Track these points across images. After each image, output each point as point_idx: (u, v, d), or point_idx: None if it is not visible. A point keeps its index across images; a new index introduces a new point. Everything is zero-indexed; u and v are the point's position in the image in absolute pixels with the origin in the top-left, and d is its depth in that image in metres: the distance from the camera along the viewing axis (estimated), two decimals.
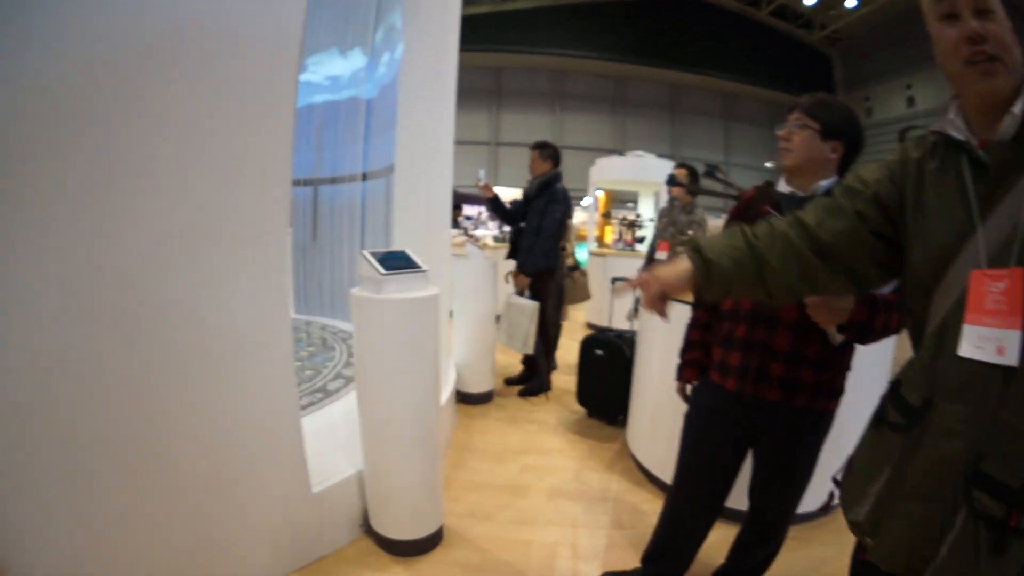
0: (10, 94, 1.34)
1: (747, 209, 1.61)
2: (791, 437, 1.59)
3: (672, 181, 3.89)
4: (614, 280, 4.00)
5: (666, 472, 2.70)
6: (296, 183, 5.14)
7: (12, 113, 1.35)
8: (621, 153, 7.57)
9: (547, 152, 4.02)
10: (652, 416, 2.93)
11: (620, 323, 4.05)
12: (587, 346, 3.70)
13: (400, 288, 2.09)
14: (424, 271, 2.21)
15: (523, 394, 4.19)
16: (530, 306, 3.80)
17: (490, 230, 8.94)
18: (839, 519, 2.58)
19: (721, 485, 1.72)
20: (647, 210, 7.92)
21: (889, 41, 16.36)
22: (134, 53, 1.45)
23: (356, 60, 4.79)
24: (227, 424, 1.77)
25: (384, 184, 4.39)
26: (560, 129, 17.74)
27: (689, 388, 1.82)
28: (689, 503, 1.79)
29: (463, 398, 3.92)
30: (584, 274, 4.66)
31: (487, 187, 4.06)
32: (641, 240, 7.34)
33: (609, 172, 7.42)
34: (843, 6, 16.90)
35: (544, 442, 3.37)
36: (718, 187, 3.66)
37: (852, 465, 1.10)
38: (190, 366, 1.66)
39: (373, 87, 4.75)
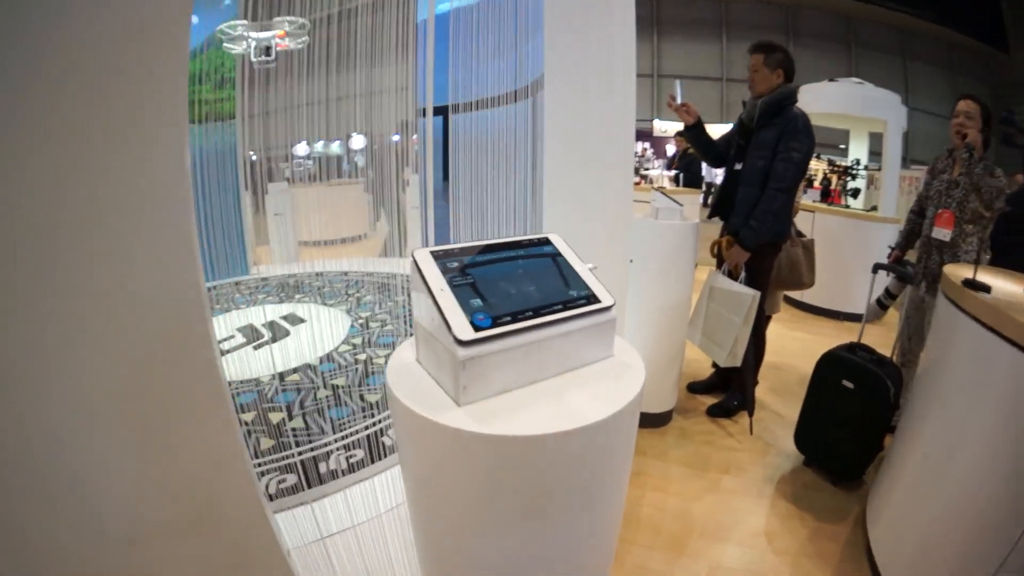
0: None
1: None
2: None
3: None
4: (876, 268, 2.53)
5: None
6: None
7: None
8: (832, 79, 5.77)
9: (776, 57, 2.56)
10: (930, 519, 1.64)
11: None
12: (828, 369, 2.38)
13: (517, 377, 0.87)
14: (609, 309, 0.99)
15: (714, 413, 2.94)
16: (748, 296, 2.47)
17: (659, 169, 6.91)
18: None
19: None
20: (861, 154, 6.09)
21: None
22: None
23: None
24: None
25: (529, 106, 3.16)
26: (728, 60, 16.20)
27: None
28: None
29: None
30: (809, 247, 3.01)
31: (686, 107, 2.67)
32: (855, 193, 5.55)
33: (815, 103, 5.59)
34: None
35: (745, 516, 2.22)
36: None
37: None
38: None
39: None
